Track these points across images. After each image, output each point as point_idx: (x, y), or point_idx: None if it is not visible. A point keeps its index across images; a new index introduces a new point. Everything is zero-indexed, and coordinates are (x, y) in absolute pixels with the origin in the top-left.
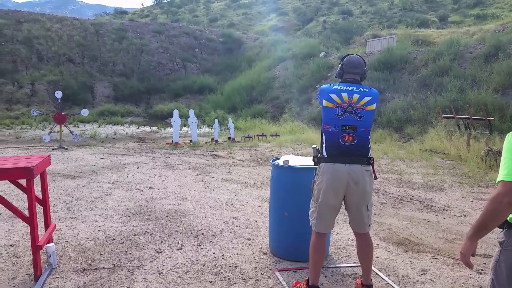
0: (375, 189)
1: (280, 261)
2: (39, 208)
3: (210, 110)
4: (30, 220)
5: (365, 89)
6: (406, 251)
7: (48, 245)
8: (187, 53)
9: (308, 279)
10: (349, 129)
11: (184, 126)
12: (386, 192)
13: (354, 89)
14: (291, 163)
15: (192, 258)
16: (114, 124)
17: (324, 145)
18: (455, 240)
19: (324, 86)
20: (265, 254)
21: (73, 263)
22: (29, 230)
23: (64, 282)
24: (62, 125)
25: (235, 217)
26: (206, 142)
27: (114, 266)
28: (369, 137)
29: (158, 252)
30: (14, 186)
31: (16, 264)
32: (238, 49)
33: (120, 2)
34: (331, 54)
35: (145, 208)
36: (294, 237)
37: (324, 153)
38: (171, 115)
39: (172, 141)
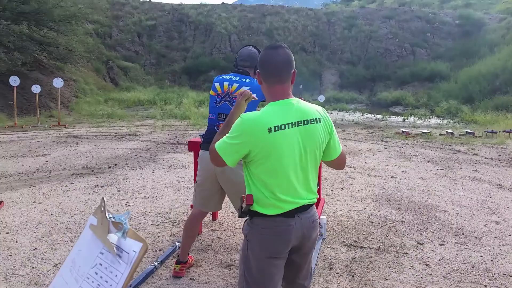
0: None
1: None
2: None
3: (441, 99)
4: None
5: None
6: None
7: (321, 217)
8: (417, 38)
9: None
10: None
11: (411, 116)
12: None
13: None
14: None
15: (457, 257)
16: (340, 110)
17: None
18: None
19: None
20: None
21: (339, 237)
22: None
23: (336, 253)
24: None
25: (497, 221)
26: (440, 135)
27: (379, 248)
28: None
29: (420, 244)
30: None
31: None
32: (477, 31)
33: None
34: None
35: (393, 196)
36: None
37: None
38: (395, 103)
39: (402, 131)
